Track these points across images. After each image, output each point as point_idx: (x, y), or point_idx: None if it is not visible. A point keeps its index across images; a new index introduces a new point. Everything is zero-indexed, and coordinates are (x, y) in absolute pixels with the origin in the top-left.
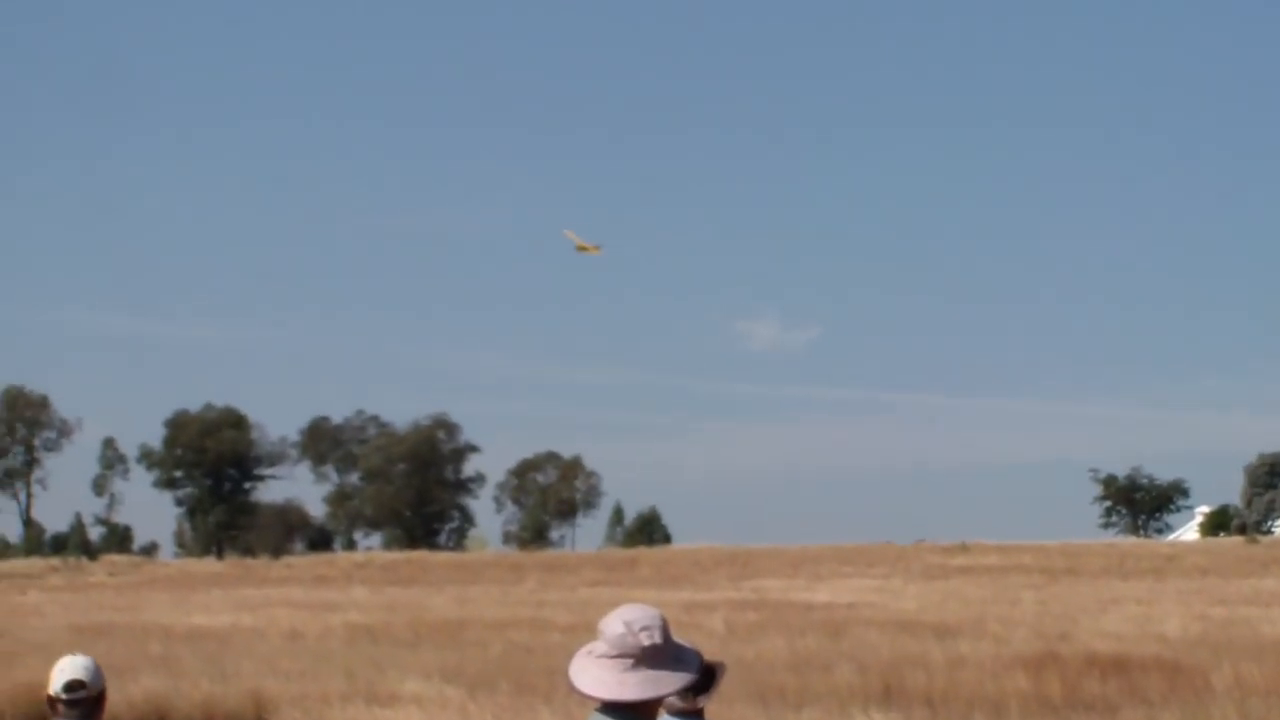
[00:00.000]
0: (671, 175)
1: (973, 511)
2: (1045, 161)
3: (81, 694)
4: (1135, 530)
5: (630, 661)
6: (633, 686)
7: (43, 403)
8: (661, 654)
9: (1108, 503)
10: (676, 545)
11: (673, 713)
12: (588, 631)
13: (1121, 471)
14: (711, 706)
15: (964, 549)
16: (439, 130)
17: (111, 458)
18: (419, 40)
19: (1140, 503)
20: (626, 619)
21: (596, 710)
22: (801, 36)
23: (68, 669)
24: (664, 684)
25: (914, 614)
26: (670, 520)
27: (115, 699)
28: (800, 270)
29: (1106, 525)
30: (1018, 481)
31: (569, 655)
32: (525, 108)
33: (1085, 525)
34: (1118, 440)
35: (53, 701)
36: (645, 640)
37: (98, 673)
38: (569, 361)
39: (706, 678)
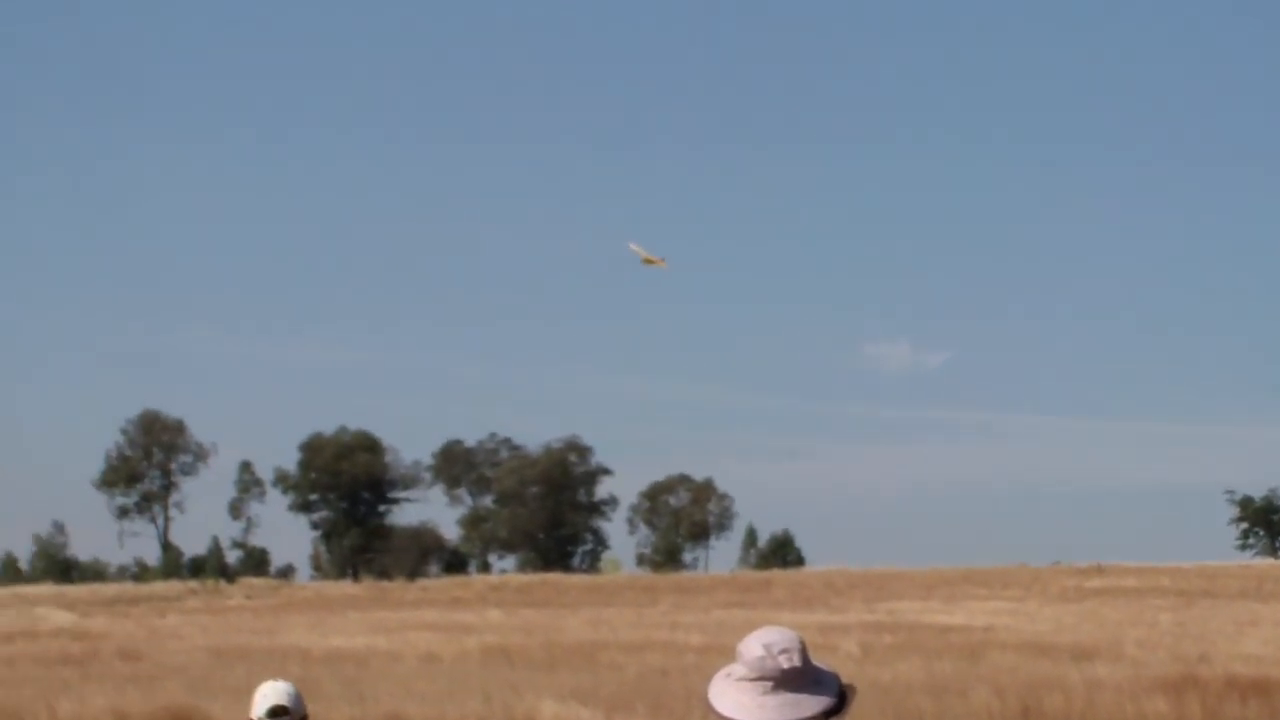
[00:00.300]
0: (799, 198)
1: (1108, 533)
2: (1170, 184)
3: (284, 719)
4: (1273, 552)
5: (769, 684)
6: (772, 710)
7: (179, 427)
8: (801, 677)
9: (1245, 524)
10: (810, 567)
11: None
12: (722, 654)
13: (1258, 493)
14: None
15: (1100, 571)
16: (565, 151)
17: (248, 481)
18: (519, 61)
19: (1278, 524)
20: (765, 641)
21: None
22: (936, 50)
23: (270, 695)
24: (804, 707)
25: (1050, 636)
26: (803, 542)
27: None
28: (931, 293)
29: (1244, 547)
30: (1154, 503)
31: (704, 677)
32: (636, 128)
33: (1222, 547)
34: (1255, 462)
35: None
36: (784, 663)
37: (299, 698)
38: (700, 384)
39: (839, 700)
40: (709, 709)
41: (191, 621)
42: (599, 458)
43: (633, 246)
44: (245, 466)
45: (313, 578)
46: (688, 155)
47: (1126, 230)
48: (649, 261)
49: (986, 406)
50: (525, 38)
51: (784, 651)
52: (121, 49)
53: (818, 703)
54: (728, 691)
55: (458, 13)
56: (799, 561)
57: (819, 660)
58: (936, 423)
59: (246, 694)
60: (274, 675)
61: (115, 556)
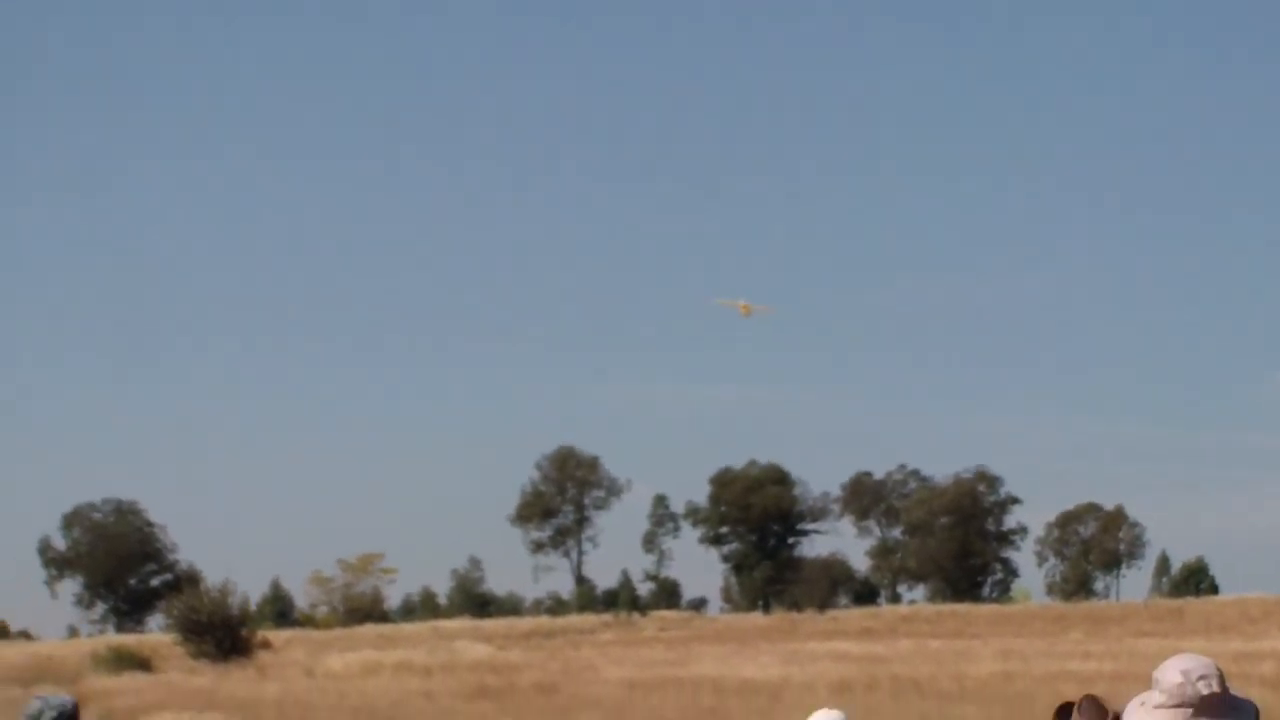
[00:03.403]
0: (1192, 225)
1: None
2: None
3: None
4: None
5: (1188, 711)
6: None
7: (593, 463)
8: (1220, 704)
9: None
10: (1224, 595)
11: None
12: (1136, 682)
13: None
14: None
15: None
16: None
17: (662, 515)
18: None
19: None
20: (1184, 668)
21: None
22: None
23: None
24: None
25: None
26: (1217, 570)
27: None
28: None
29: None
30: None
31: (1118, 707)
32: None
33: None
34: None
35: None
36: (1204, 689)
37: None
38: (1108, 414)
39: None
40: None
41: (605, 654)
42: (1008, 487)
43: (719, 302)
44: (660, 500)
45: (723, 610)
46: (1086, 193)
47: None
48: (747, 309)
49: None
50: None
51: (1203, 678)
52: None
53: None
54: (1145, 719)
55: None
56: (1212, 590)
57: (1235, 688)
58: None
59: None
60: (688, 705)
61: (530, 591)
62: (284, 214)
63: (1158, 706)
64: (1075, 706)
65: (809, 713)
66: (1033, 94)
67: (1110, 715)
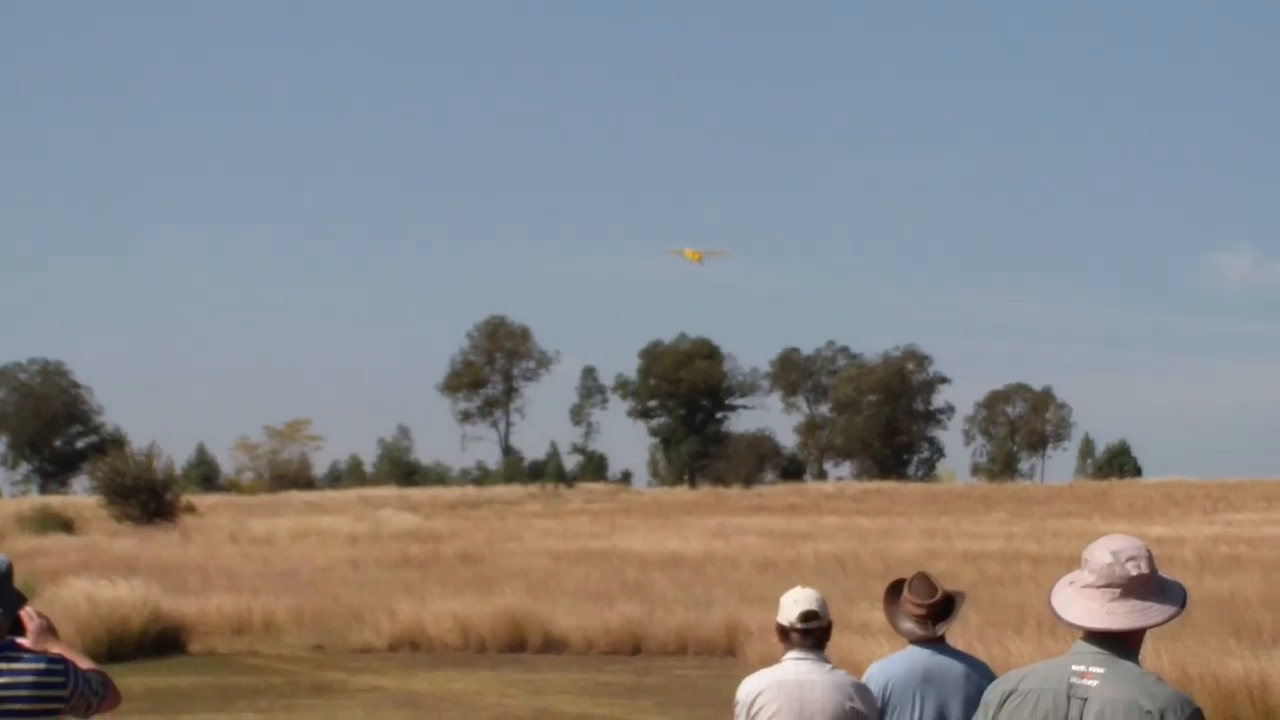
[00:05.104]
0: (1138, 104)
1: None
2: None
3: (815, 624)
4: None
5: (1117, 591)
6: (1122, 616)
7: (523, 334)
8: (1148, 584)
9: None
10: (1148, 478)
11: (913, 640)
12: (1059, 563)
13: None
14: (1189, 639)
15: None
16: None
17: (590, 387)
18: None
19: None
20: (1113, 549)
21: (1080, 639)
22: None
23: (802, 600)
24: (1151, 614)
25: None
26: (1140, 453)
27: (593, 625)
28: (1277, 199)
29: None
30: None
31: (1040, 587)
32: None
33: None
34: None
35: (785, 631)
36: (1133, 570)
37: (825, 605)
38: (1039, 295)
39: (946, 606)
40: (1055, 616)
41: (531, 525)
42: (937, 366)
43: (671, 251)
44: (588, 372)
45: (650, 484)
46: (1027, 69)
47: None
48: (697, 257)
49: None
50: None
51: (1132, 559)
52: None
53: (1164, 611)
54: (1074, 599)
55: None
56: (1135, 472)
57: (1163, 571)
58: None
59: (584, 597)
60: (613, 579)
61: (457, 460)
62: (218, 80)
63: (1086, 586)
64: (906, 583)
65: (733, 587)
66: None
67: (939, 592)
